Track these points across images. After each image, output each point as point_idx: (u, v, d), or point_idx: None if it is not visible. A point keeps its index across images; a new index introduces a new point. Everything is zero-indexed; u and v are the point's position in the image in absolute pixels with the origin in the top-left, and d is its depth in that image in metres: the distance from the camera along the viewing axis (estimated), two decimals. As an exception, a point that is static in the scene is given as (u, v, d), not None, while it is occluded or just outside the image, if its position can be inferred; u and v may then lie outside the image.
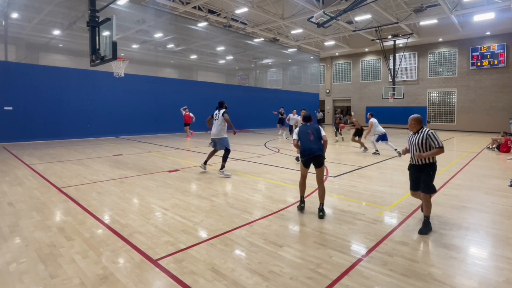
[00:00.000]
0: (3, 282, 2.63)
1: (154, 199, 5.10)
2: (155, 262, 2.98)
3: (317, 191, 4.46)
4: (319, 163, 4.35)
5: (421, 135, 3.83)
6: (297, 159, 8.56)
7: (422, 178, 3.81)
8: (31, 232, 3.68)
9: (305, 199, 4.72)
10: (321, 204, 4.35)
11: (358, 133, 11.56)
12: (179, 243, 3.40)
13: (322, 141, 4.47)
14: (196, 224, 4.01)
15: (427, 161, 3.79)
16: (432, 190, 3.82)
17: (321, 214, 4.26)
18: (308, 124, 4.71)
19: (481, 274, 2.83)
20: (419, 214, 4.41)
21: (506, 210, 4.65)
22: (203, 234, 3.69)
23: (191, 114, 15.11)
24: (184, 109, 15.14)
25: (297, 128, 4.68)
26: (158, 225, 3.94)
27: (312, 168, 4.50)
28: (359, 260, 3.06)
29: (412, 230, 3.84)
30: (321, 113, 23.49)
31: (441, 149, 3.68)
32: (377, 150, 10.45)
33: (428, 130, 3.80)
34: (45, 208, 4.59)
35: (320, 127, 4.65)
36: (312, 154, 4.30)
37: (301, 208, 4.53)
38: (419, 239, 3.62)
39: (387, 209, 4.65)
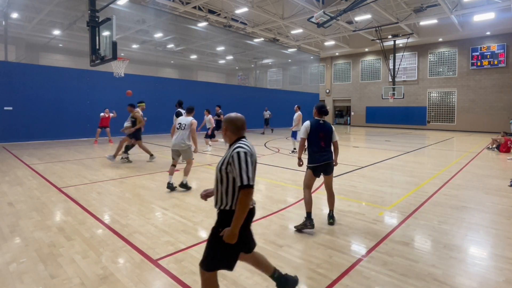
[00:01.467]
0: (3, 282, 2.63)
1: (154, 199, 5.10)
2: (155, 262, 2.98)
3: (315, 193, 4.33)
4: (330, 169, 3.93)
5: (227, 154, 2.07)
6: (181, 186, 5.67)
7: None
8: (31, 232, 3.68)
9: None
10: (331, 211, 4.05)
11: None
12: (179, 243, 3.40)
13: (333, 146, 3.99)
14: (196, 224, 4.01)
15: (223, 206, 2.05)
16: (204, 263, 2.09)
17: (331, 221, 3.97)
18: (321, 121, 3.93)
19: (481, 274, 2.83)
20: (419, 214, 4.42)
21: (506, 210, 4.65)
22: (203, 234, 3.69)
23: (111, 115, 12.69)
24: (105, 111, 12.63)
25: (308, 123, 3.88)
26: (158, 225, 3.94)
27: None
28: (359, 260, 3.06)
29: (412, 230, 3.84)
30: (269, 112, 19.56)
31: (244, 191, 1.93)
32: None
33: (237, 147, 2.03)
34: (45, 208, 4.59)
35: (333, 127, 4.02)
36: (321, 162, 3.82)
37: (312, 225, 3.73)
38: (419, 239, 3.62)
39: (387, 209, 4.65)
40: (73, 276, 2.72)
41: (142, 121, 8.25)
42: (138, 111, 8.29)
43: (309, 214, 3.77)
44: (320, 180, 4.19)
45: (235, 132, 2.14)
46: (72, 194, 5.33)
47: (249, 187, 1.93)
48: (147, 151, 8.63)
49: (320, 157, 3.83)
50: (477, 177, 6.94)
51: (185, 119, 5.82)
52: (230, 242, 1.97)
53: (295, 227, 3.82)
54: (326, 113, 3.99)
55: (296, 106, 10.62)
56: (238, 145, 2.06)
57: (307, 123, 3.92)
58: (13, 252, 3.17)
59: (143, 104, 8.83)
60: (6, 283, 2.62)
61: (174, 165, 5.75)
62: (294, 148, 10.49)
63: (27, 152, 10.07)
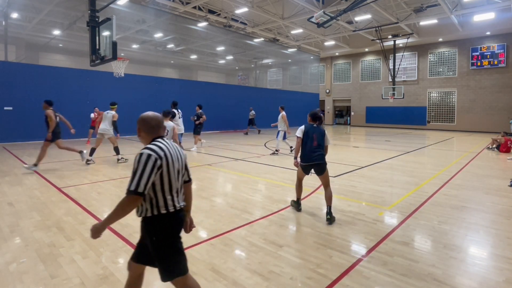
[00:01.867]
0: (3, 282, 2.63)
1: (154, 199, 5.09)
2: (155, 262, 2.97)
3: (315, 192, 4.43)
4: (321, 170, 4.23)
5: None
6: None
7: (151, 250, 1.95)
8: (31, 232, 3.68)
9: (302, 200, 4.73)
10: (329, 207, 4.11)
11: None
12: (179, 243, 3.40)
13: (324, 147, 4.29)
14: (196, 224, 3.99)
15: (144, 214, 1.94)
16: (170, 274, 1.98)
17: (329, 217, 4.02)
18: (315, 125, 4.34)
19: (481, 274, 2.83)
20: (419, 214, 4.41)
21: (506, 210, 4.65)
22: (203, 234, 3.69)
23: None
24: (95, 110, 12.28)
25: (303, 126, 4.32)
26: (158, 225, 3.94)
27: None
28: (359, 260, 3.06)
29: (412, 230, 3.84)
30: (253, 112, 18.84)
31: (127, 197, 1.81)
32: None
33: (144, 148, 1.89)
34: (45, 208, 4.59)
35: (326, 131, 4.38)
36: (311, 162, 4.18)
37: (298, 210, 4.52)
38: (419, 239, 3.62)
39: (387, 209, 4.65)
40: (73, 276, 2.72)
41: (54, 120, 7.23)
42: (50, 112, 7.23)
43: (298, 199, 4.59)
44: (320, 180, 4.27)
45: (150, 132, 1.97)
46: (72, 194, 5.33)
47: (132, 194, 1.76)
48: (70, 149, 7.68)
49: (310, 157, 4.19)
50: (477, 177, 6.94)
51: (166, 124, 5.72)
52: (92, 236, 1.92)
53: (291, 201, 4.71)
54: (319, 119, 4.38)
55: (280, 106, 10.50)
56: (147, 146, 1.90)
57: (303, 126, 4.35)
58: (13, 252, 3.17)
59: (116, 106, 8.48)
60: (6, 283, 2.62)
61: None
62: (291, 147, 10.55)
63: (27, 152, 10.07)
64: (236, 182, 6.36)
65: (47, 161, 8.56)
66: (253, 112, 18.99)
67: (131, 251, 3.21)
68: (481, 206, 4.85)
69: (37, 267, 2.87)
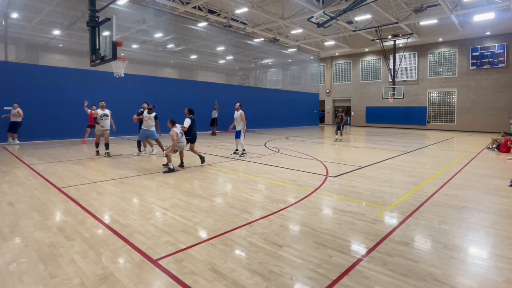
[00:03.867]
0: (3, 282, 2.63)
1: (154, 199, 5.10)
2: (155, 262, 2.98)
3: (315, 192, 4.41)
4: (194, 141, 8.09)
5: None
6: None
7: None
8: (31, 232, 3.68)
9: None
10: (201, 156, 8.21)
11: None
12: (179, 243, 3.40)
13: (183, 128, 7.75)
14: (196, 224, 4.01)
15: None
16: None
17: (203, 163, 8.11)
18: (193, 118, 7.92)
19: (481, 274, 2.83)
20: (419, 214, 4.42)
21: (506, 210, 4.65)
22: (203, 234, 3.69)
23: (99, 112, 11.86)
24: (92, 108, 12.02)
25: (189, 120, 7.73)
26: (158, 225, 3.94)
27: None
28: (359, 260, 3.06)
29: (412, 230, 3.84)
30: (215, 111, 17.84)
31: None
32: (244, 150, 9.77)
33: None
34: (45, 208, 4.59)
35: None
36: (192, 136, 7.95)
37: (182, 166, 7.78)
38: (419, 239, 3.62)
39: (387, 209, 4.65)
40: (73, 276, 2.72)
41: None
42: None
43: (181, 161, 7.97)
44: (320, 180, 4.27)
45: None
46: (72, 194, 5.33)
47: None
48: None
49: (192, 135, 7.88)
50: (477, 177, 6.94)
51: (179, 128, 7.71)
52: None
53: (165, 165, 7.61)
54: (193, 113, 7.94)
55: (238, 104, 9.77)
56: None
57: (189, 119, 7.77)
58: (13, 252, 3.17)
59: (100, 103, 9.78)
60: (6, 283, 2.62)
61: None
62: (236, 150, 9.95)
63: (27, 152, 10.07)
64: (236, 182, 6.36)
65: (47, 161, 8.56)
66: (215, 112, 17.71)
67: (131, 251, 3.21)
68: (481, 206, 4.85)
69: (37, 267, 2.87)
